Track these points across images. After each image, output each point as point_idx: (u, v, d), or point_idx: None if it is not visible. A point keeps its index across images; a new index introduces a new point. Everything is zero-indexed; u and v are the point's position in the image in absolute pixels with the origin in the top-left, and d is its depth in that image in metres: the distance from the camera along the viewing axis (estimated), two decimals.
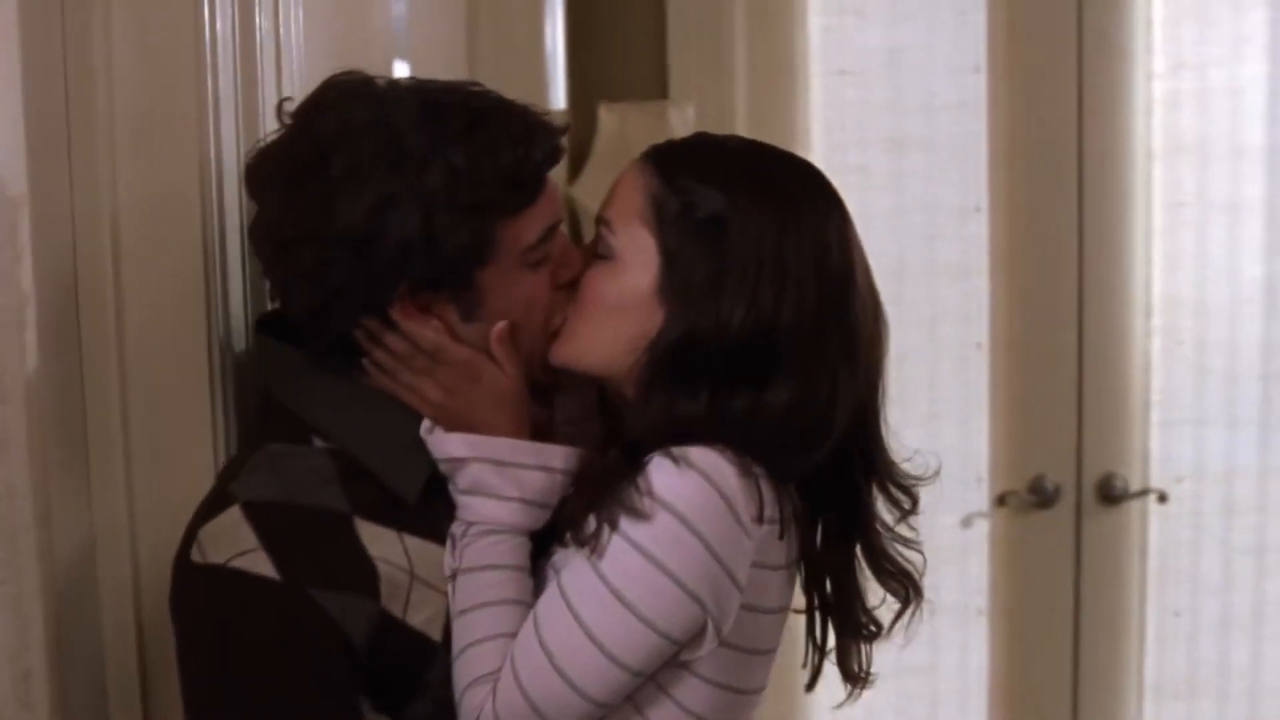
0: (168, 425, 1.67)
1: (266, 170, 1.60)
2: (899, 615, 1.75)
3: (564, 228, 1.69)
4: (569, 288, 1.68)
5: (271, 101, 1.69)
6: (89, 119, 1.58)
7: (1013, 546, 3.58)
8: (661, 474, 1.54)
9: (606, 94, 3.30)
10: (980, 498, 3.59)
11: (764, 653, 1.67)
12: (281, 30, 1.77)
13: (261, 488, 1.58)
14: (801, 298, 1.60)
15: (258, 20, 1.72)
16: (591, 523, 1.56)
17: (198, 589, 1.56)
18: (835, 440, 1.63)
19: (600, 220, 1.68)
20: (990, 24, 3.48)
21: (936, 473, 1.75)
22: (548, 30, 2.94)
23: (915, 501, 1.73)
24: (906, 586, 1.74)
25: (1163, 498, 3.57)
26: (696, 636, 1.57)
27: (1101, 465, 3.56)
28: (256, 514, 1.55)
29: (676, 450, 1.55)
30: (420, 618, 1.60)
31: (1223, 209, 3.52)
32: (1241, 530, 3.60)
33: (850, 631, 1.75)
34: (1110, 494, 3.55)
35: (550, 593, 1.57)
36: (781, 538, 1.60)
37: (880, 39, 3.53)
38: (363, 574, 1.57)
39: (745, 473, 1.56)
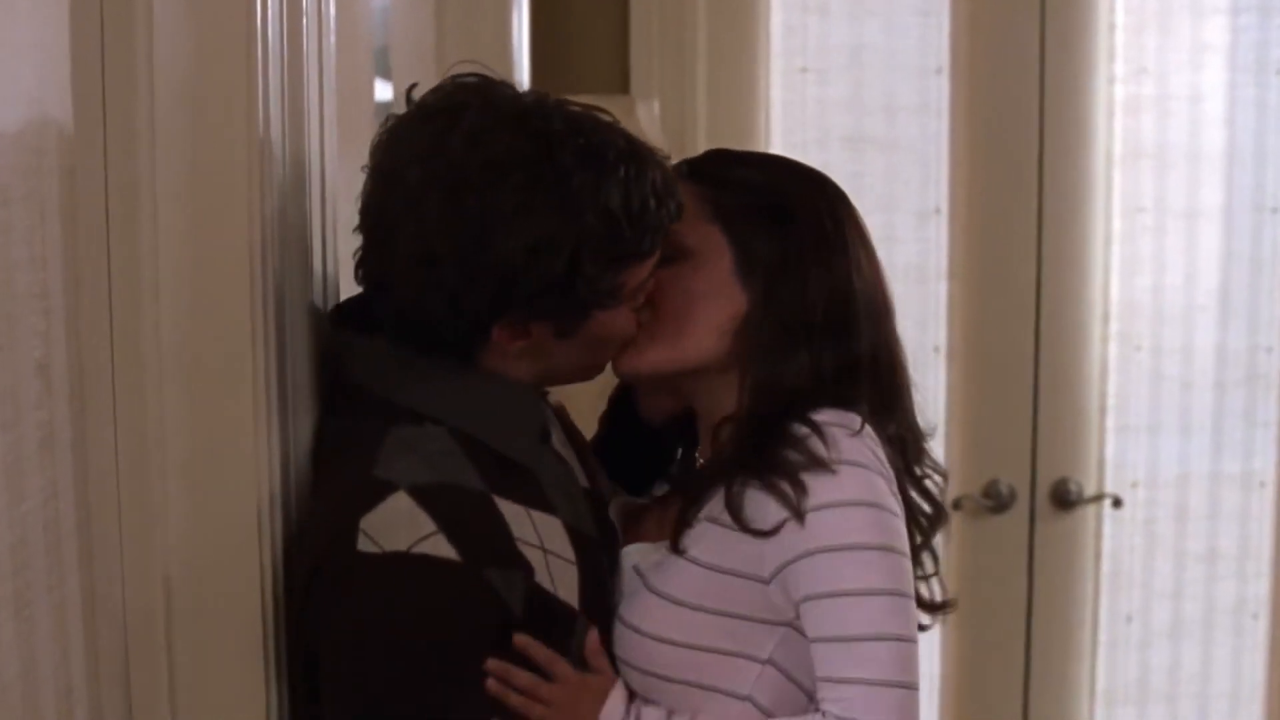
0: (207, 424, 1.58)
1: (415, 169, 1.58)
2: (926, 537, 1.81)
3: None
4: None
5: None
6: (129, 108, 1.48)
7: (966, 551, 3.57)
8: (824, 468, 1.64)
9: (568, 88, 3.26)
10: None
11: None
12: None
13: (416, 471, 1.59)
14: (859, 261, 1.76)
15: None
16: (756, 497, 1.64)
17: (377, 579, 1.55)
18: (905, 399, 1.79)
19: None
20: (953, 25, 3.49)
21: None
22: (514, 23, 2.92)
23: (929, 435, 1.84)
24: (934, 508, 1.82)
25: (1117, 503, 3.58)
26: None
27: (1056, 470, 3.56)
28: (426, 498, 1.56)
29: (824, 446, 1.64)
30: (564, 588, 1.65)
31: (1181, 215, 3.53)
32: (1194, 536, 3.62)
33: None
34: (1064, 499, 3.55)
35: (826, 652, 1.62)
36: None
37: (842, 37, 3.52)
38: (515, 550, 1.60)
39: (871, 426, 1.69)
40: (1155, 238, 3.53)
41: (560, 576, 1.64)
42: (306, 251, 1.68)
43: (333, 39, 1.74)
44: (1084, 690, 3.64)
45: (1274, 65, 3.50)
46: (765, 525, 1.64)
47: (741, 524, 1.65)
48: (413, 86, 1.65)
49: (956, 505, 3.54)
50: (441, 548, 1.55)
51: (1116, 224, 3.52)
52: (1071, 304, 3.53)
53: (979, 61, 3.49)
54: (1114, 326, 3.55)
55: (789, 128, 3.51)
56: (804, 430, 1.65)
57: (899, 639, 1.61)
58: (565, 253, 1.57)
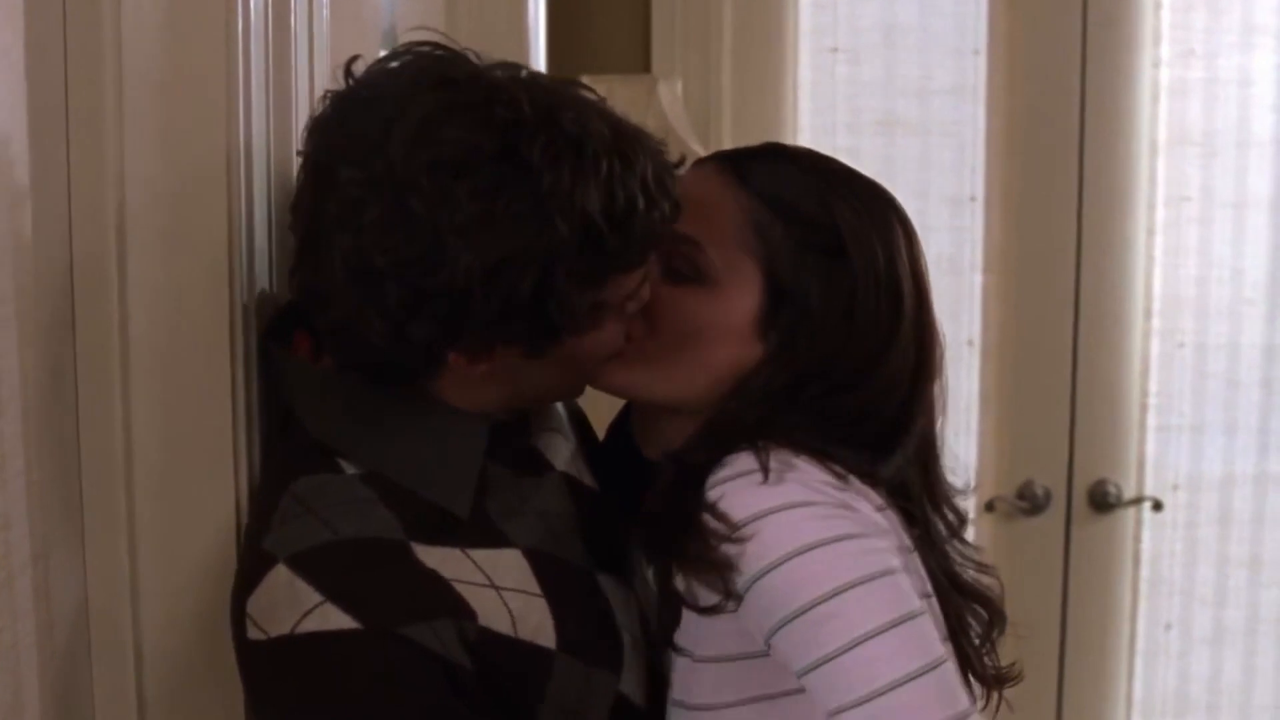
0: (179, 449, 1.44)
1: (352, 169, 1.33)
2: (982, 642, 1.59)
3: None
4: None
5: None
6: (93, 95, 1.34)
7: (999, 554, 3.43)
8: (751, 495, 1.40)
9: (587, 68, 3.16)
10: (967, 503, 3.43)
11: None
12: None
13: (301, 535, 1.37)
14: (909, 314, 1.52)
15: None
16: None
17: (274, 669, 1.35)
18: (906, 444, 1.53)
19: (683, 238, 1.50)
20: (991, 4, 3.37)
21: (974, 489, 1.65)
22: (529, 1, 2.81)
23: (964, 520, 1.62)
24: (987, 611, 1.59)
25: (1157, 506, 3.45)
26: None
27: (1094, 471, 3.43)
28: (306, 565, 1.35)
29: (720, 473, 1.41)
30: (530, 627, 1.43)
31: (1228, 205, 3.41)
32: (1237, 541, 3.51)
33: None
34: (1103, 501, 3.42)
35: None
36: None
37: (875, 16, 3.40)
38: (442, 594, 1.38)
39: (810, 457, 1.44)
40: (1201, 228, 3.40)
41: (523, 614, 1.43)
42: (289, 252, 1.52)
43: (326, 14, 1.59)
44: (1120, 700, 3.51)
45: None
46: (709, 602, 1.40)
47: (694, 609, 1.42)
48: (353, 60, 1.41)
49: (989, 507, 3.42)
50: (332, 618, 1.33)
51: (1160, 214, 3.39)
52: (1112, 297, 3.39)
53: (1018, 42, 3.37)
54: (1156, 321, 3.42)
55: (818, 110, 3.40)
56: (712, 495, 1.40)
57: (912, 676, 1.33)
58: (533, 269, 1.32)
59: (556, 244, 1.32)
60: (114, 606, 1.39)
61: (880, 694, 1.32)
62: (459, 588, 1.40)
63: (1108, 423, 3.43)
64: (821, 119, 3.38)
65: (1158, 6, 3.34)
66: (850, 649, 1.33)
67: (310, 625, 1.32)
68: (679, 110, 3.06)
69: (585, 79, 3.13)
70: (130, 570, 1.40)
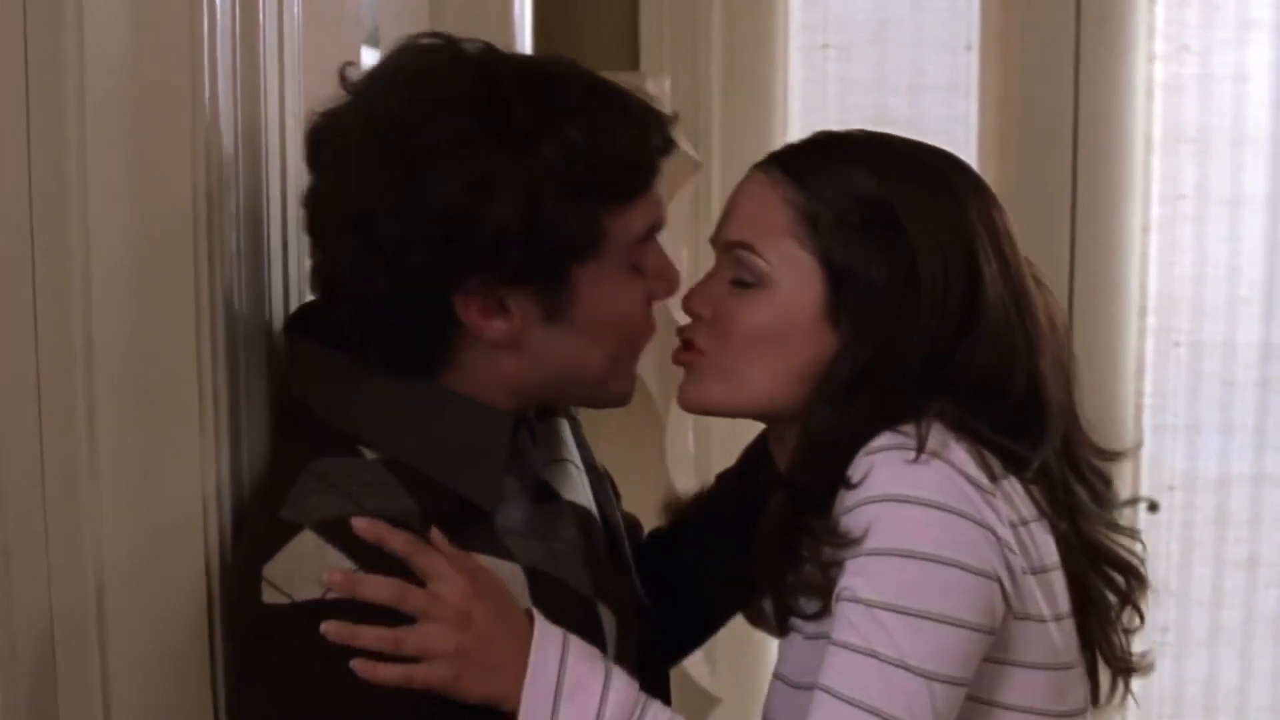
0: (147, 450, 1.40)
1: (340, 136, 1.40)
2: (1118, 615, 1.56)
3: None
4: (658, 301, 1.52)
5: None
6: (54, 100, 1.30)
7: None
8: (879, 474, 1.37)
9: None
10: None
11: (1065, 667, 1.49)
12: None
13: (325, 505, 1.36)
14: (992, 281, 1.46)
15: None
16: (809, 579, 1.41)
17: (300, 634, 1.33)
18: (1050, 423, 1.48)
19: (733, 244, 1.51)
20: (984, 0, 3.34)
21: (1139, 445, 1.61)
22: None
23: (1109, 483, 1.57)
24: (1128, 578, 1.56)
25: (1153, 507, 3.40)
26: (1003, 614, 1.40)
27: None
28: (335, 532, 1.34)
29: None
30: None
31: (1223, 203, 3.38)
32: (1234, 542, 3.47)
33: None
34: None
35: (833, 659, 1.35)
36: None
37: (866, 12, 3.39)
38: None
39: (962, 437, 1.41)
40: (1196, 226, 3.37)
41: None
42: (261, 251, 1.50)
43: (297, 9, 1.55)
44: (1116, 702, 3.46)
45: None
46: (812, 609, 1.42)
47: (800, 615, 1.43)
48: (346, 66, 1.46)
49: None
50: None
51: (1155, 211, 3.36)
52: (1106, 296, 3.36)
53: (1011, 38, 3.34)
54: (1151, 320, 3.39)
55: (809, 107, 3.37)
56: (861, 466, 1.38)
57: (923, 671, 1.33)
58: (518, 190, 1.35)
59: (539, 166, 1.35)
60: (79, 613, 1.34)
61: (884, 660, 1.33)
62: None
63: (1102, 422, 3.34)
64: (812, 116, 3.34)
65: (1152, 2, 3.32)
66: (898, 614, 1.33)
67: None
68: (667, 108, 3.02)
69: None
70: (96, 580, 1.36)
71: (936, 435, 1.38)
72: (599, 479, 1.69)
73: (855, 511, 1.37)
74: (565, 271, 1.40)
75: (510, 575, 1.44)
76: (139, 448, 1.38)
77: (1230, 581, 3.46)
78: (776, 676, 1.50)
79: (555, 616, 1.43)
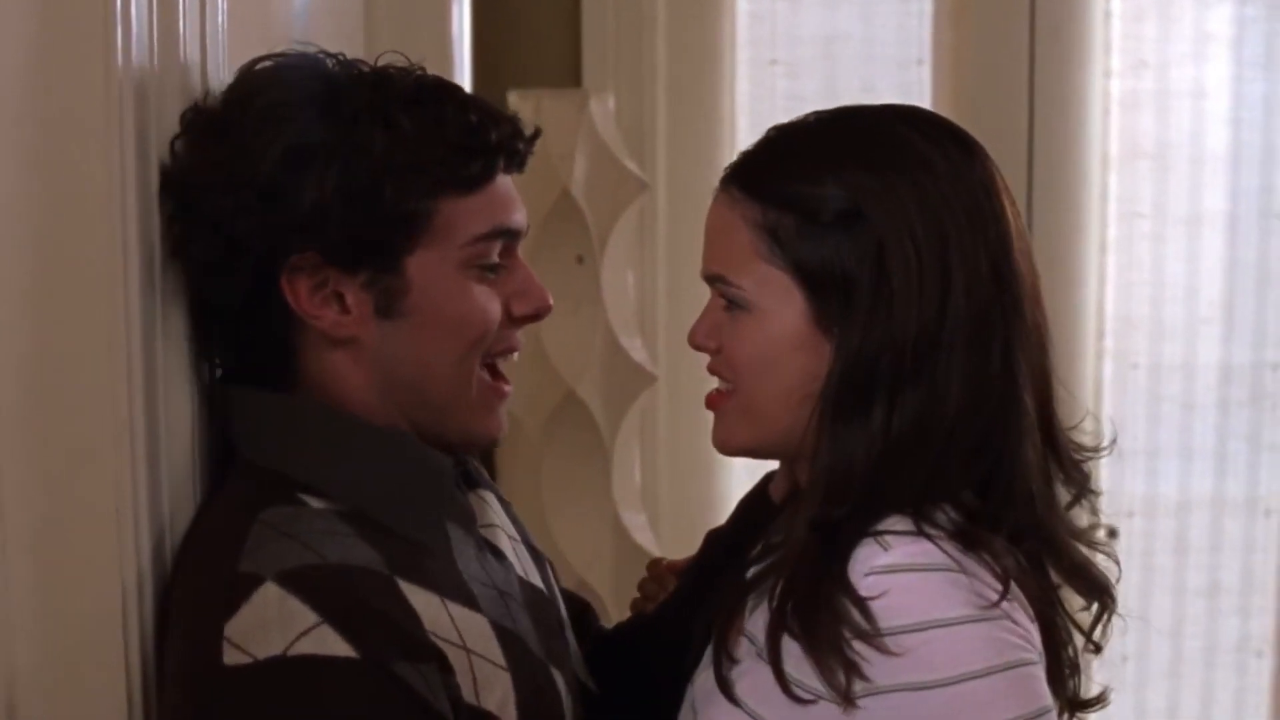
0: (55, 496, 1.30)
1: (183, 124, 1.40)
2: (1094, 624, 1.46)
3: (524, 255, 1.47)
4: (519, 324, 1.46)
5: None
6: None
7: None
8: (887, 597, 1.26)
9: (515, 81, 3.04)
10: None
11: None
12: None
13: (286, 555, 1.29)
14: (968, 265, 1.34)
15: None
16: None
17: (258, 694, 1.23)
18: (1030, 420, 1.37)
19: (711, 278, 1.42)
20: (936, 13, 3.31)
21: (1113, 442, 1.55)
22: (454, 11, 2.69)
23: (1086, 480, 1.47)
24: (1101, 598, 1.45)
25: (1112, 534, 3.33)
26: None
27: None
28: (298, 583, 1.26)
29: (891, 559, 1.28)
30: (494, 700, 1.35)
31: (1182, 221, 3.35)
32: (1195, 569, 3.44)
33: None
34: None
35: None
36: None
37: (815, 26, 3.33)
38: (429, 642, 1.30)
39: (966, 544, 1.30)
40: (1154, 245, 3.34)
41: (488, 685, 1.34)
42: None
43: (223, 22, 1.50)
44: None
45: None
46: (804, 693, 1.29)
47: (780, 681, 1.29)
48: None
49: None
50: (329, 642, 1.23)
51: (1112, 230, 3.33)
52: (1063, 317, 3.25)
53: (963, 52, 3.30)
54: (1109, 342, 3.36)
55: (757, 125, 3.22)
56: (868, 586, 1.27)
57: None
58: (335, 164, 1.34)
59: (359, 142, 1.35)
60: None
61: None
62: (436, 641, 1.31)
63: None
64: (761, 134, 3.25)
65: (1108, 16, 3.29)
66: None
67: (306, 647, 1.23)
68: (612, 126, 2.94)
69: (513, 93, 3.04)
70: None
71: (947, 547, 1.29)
72: (539, 559, 1.61)
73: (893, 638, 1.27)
74: (395, 259, 1.37)
75: (481, 629, 1.36)
76: (50, 530, 1.28)
77: (1191, 609, 3.43)
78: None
79: (523, 674, 1.38)
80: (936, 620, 1.25)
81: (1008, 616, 1.28)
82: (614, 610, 2.82)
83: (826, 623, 1.26)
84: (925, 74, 3.30)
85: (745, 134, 3.28)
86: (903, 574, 1.27)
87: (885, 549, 1.28)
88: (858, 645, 1.25)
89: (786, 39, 3.32)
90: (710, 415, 1.47)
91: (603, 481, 2.85)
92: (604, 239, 2.84)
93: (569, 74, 3.23)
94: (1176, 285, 3.35)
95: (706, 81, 3.29)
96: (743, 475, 3.19)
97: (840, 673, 1.25)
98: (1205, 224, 3.33)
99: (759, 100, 3.31)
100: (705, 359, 1.46)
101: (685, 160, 3.20)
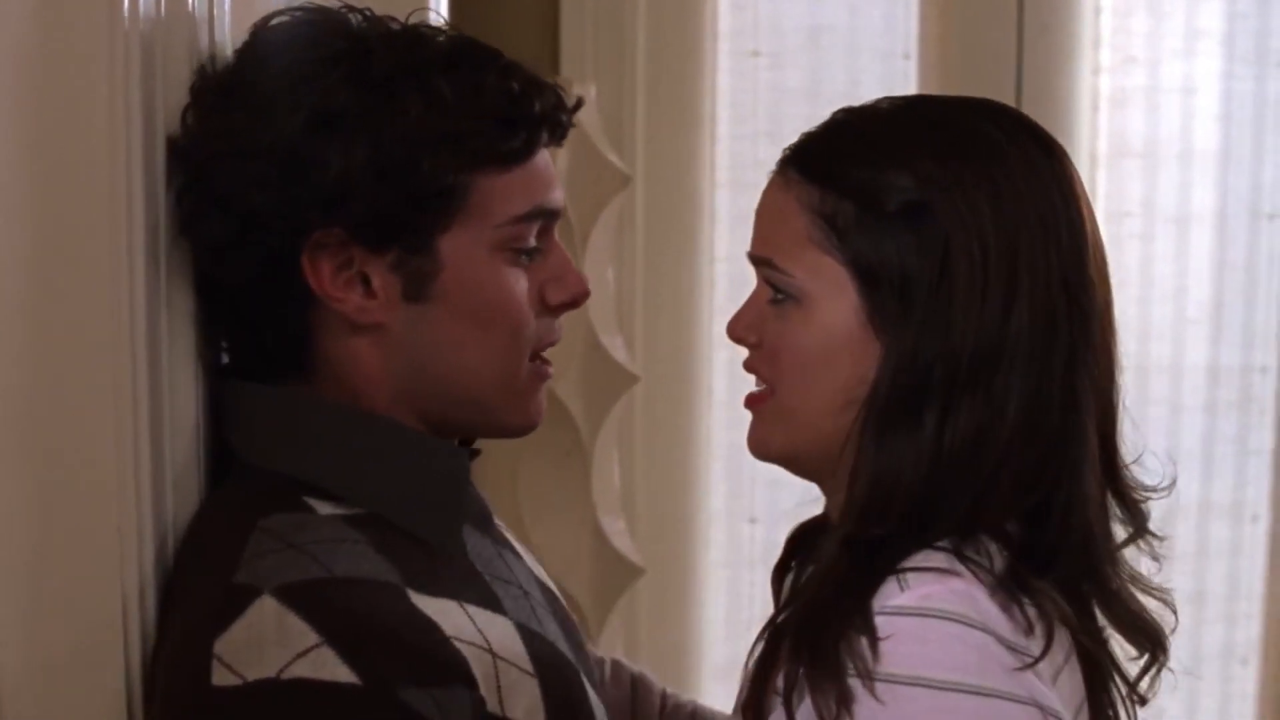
0: (50, 502, 1.24)
1: (193, 91, 1.31)
2: (1141, 675, 1.39)
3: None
4: (556, 313, 1.38)
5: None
6: None
7: None
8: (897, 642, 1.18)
9: None
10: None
11: None
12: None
13: (288, 568, 1.20)
14: (1036, 274, 1.26)
15: None
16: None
17: (246, 717, 1.15)
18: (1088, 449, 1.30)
19: (758, 260, 1.33)
20: (922, 6, 3.23)
21: (1173, 483, 1.48)
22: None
23: (1144, 521, 1.41)
24: (1153, 648, 1.38)
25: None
26: None
27: None
28: (301, 599, 1.18)
29: (904, 600, 1.19)
30: (520, 709, 1.27)
31: (1170, 220, 3.30)
32: (1180, 574, 3.34)
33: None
34: None
35: None
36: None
37: (799, 18, 3.24)
38: (450, 656, 1.22)
39: (996, 591, 1.22)
40: (1142, 245, 3.29)
41: (513, 693, 1.26)
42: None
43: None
44: None
45: (1274, 56, 3.26)
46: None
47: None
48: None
49: None
50: (328, 666, 1.15)
51: (1100, 229, 3.23)
52: None
53: (950, 46, 3.23)
54: None
55: (738, 117, 3.21)
56: (881, 626, 1.19)
57: None
58: (364, 134, 1.25)
59: (391, 110, 1.25)
60: None
61: None
62: (460, 646, 1.23)
63: None
64: (742, 127, 3.21)
65: (1097, 10, 3.24)
66: None
67: (302, 670, 1.15)
68: (591, 116, 2.87)
69: None
70: None
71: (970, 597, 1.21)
72: (550, 595, 1.51)
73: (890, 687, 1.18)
74: (428, 239, 1.29)
75: (506, 631, 1.29)
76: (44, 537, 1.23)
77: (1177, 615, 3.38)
78: None
79: (551, 679, 1.31)
80: (925, 679, 1.17)
81: (1013, 696, 1.18)
82: (592, 617, 2.75)
83: (834, 646, 1.18)
84: (911, 68, 3.23)
85: (726, 125, 3.20)
86: (910, 618, 1.19)
87: (902, 589, 1.20)
88: (852, 682, 1.17)
89: (769, 29, 3.23)
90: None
91: (582, 484, 2.78)
92: (585, 235, 2.77)
93: (547, 63, 3.14)
94: (1164, 285, 3.30)
95: (687, 72, 3.21)
96: (721, 483, 3.13)
97: (833, 701, 1.17)
98: (1194, 224, 3.29)
99: (741, 92, 3.22)
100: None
101: (664, 152, 3.12)
